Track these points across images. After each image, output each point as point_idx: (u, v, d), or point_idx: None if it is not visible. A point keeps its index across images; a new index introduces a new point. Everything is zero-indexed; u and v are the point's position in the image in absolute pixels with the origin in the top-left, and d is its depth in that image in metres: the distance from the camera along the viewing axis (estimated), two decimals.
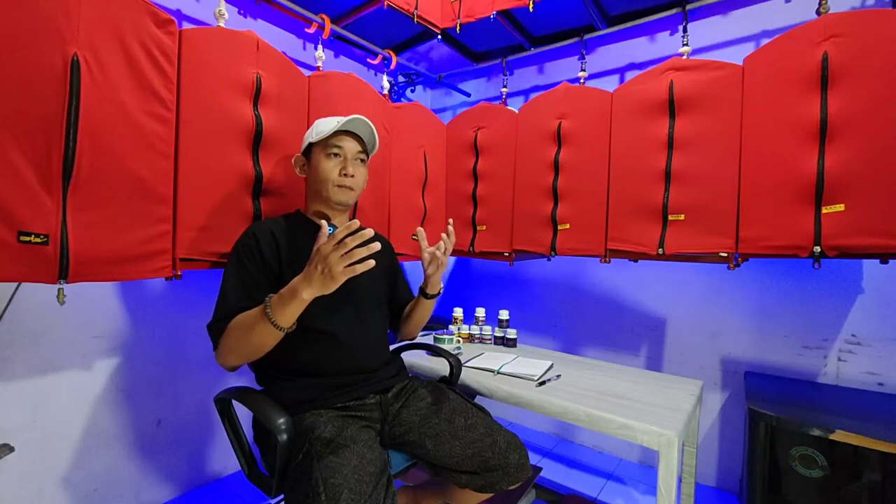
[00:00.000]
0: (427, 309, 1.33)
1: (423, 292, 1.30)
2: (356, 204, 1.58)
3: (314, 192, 1.19)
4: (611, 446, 2.15)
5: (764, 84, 1.32)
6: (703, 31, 1.82)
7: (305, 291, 0.86)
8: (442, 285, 1.28)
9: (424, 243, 1.25)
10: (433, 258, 1.24)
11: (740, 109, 1.36)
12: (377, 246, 0.82)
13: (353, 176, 1.15)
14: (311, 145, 1.18)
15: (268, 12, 1.89)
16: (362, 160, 1.20)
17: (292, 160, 1.24)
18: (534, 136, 1.79)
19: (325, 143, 1.15)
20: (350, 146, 1.16)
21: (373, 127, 1.18)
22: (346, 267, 0.83)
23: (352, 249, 0.83)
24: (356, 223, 0.84)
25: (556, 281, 2.33)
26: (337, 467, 0.85)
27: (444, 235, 1.24)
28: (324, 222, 0.89)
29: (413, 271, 2.67)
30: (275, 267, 1.08)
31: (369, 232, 0.83)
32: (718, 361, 1.85)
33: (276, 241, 1.11)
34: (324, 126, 1.15)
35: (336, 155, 1.15)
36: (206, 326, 1.03)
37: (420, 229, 1.25)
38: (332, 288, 0.86)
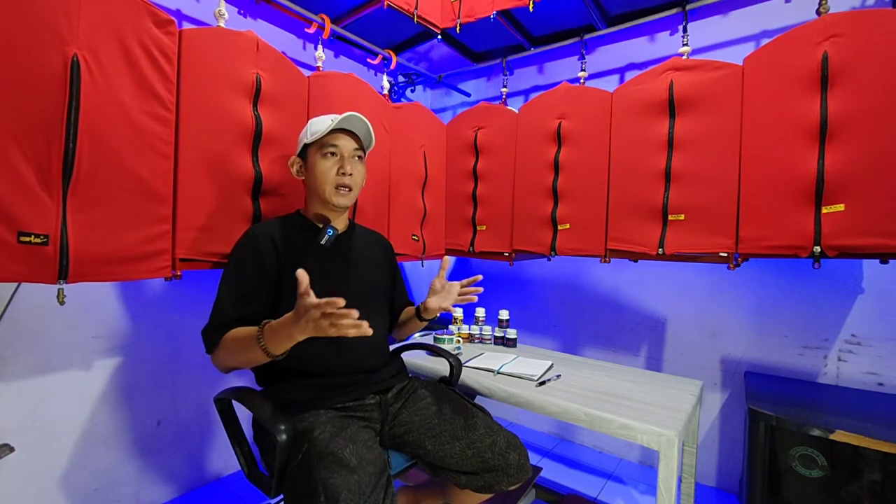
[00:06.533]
0: (419, 326, 1.34)
1: (419, 313, 1.28)
2: (356, 204, 1.58)
3: (313, 194, 1.18)
4: (611, 446, 2.15)
5: (764, 84, 1.32)
6: (703, 31, 1.82)
7: (299, 335, 0.84)
8: (438, 314, 1.26)
9: (444, 273, 1.22)
10: (443, 297, 1.21)
11: (740, 109, 1.36)
12: (368, 331, 0.80)
13: (351, 174, 1.14)
14: (306, 146, 1.17)
15: (268, 12, 1.89)
16: (359, 157, 1.18)
17: (288, 162, 1.22)
18: (534, 136, 1.78)
19: (321, 142, 1.14)
20: (346, 144, 1.15)
21: (368, 123, 1.16)
22: (332, 325, 0.79)
23: (336, 314, 0.79)
24: (341, 301, 0.78)
25: (556, 281, 2.33)
26: (336, 467, 0.85)
27: (465, 287, 1.21)
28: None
29: (412, 272, 2.67)
30: (273, 271, 1.08)
31: (354, 313, 0.78)
32: (718, 361, 1.85)
33: (275, 245, 1.10)
34: (318, 125, 1.13)
35: (332, 154, 1.14)
36: (200, 332, 1.03)
37: (446, 257, 1.23)
38: (327, 335, 0.81)
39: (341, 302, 0.78)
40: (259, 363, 0.95)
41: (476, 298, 1.21)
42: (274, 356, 0.90)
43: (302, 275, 0.81)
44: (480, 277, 1.21)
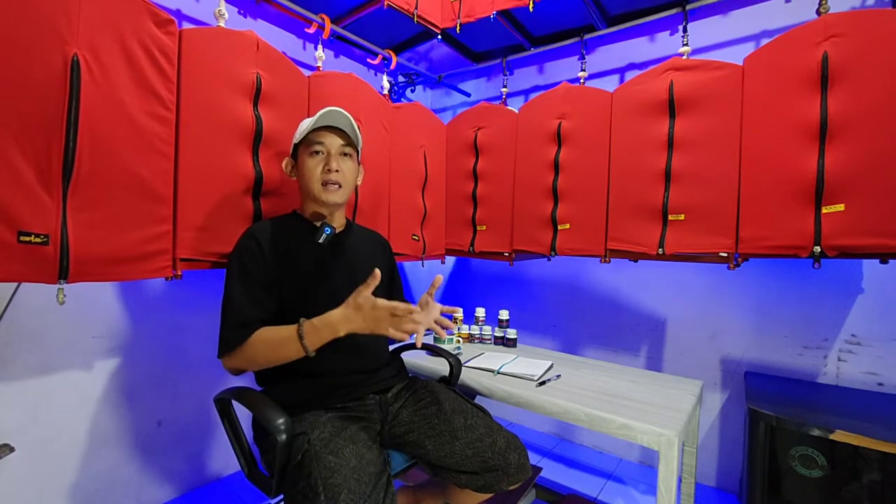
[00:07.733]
0: None
1: None
2: (356, 204, 1.58)
3: (305, 193, 1.19)
4: (611, 446, 2.15)
5: (764, 84, 1.32)
6: (703, 31, 1.82)
7: (344, 329, 0.93)
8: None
9: (434, 291, 1.09)
10: (423, 315, 1.07)
11: (740, 109, 1.36)
12: (420, 339, 0.91)
13: (337, 170, 1.13)
14: (296, 146, 1.18)
15: (268, 12, 1.89)
16: (347, 154, 1.17)
17: (282, 164, 1.22)
18: (534, 136, 1.79)
19: (307, 141, 1.14)
20: (331, 141, 1.14)
21: (350, 117, 1.15)
22: (392, 326, 0.90)
23: (406, 319, 0.90)
24: (417, 309, 0.91)
25: (556, 281, 2.33)
26: (336, 467, 0.85)
27: (452, 322, 1.10)
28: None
29: (412, 272, 2.67)
30: (276, 269, 1.08)
31: (423, 318, 0.91)
32: (718, 361, 1.85)
33: (274, 244, 1.10)
34: (304, 125, 1.15)
35: (318, 152, 1.14)
36: (219, 334, 1.02)
37: (439, 276, 1.09)
38: (378, 332, 0.93)
39: (418, 310, 0.89)
40: (288, 360, 0.99)
41: (445, 334, 1.21)
42: (309, 352, 0.95)
43: (377, 272, 0.91)
44: (461, 310, 1.22)
